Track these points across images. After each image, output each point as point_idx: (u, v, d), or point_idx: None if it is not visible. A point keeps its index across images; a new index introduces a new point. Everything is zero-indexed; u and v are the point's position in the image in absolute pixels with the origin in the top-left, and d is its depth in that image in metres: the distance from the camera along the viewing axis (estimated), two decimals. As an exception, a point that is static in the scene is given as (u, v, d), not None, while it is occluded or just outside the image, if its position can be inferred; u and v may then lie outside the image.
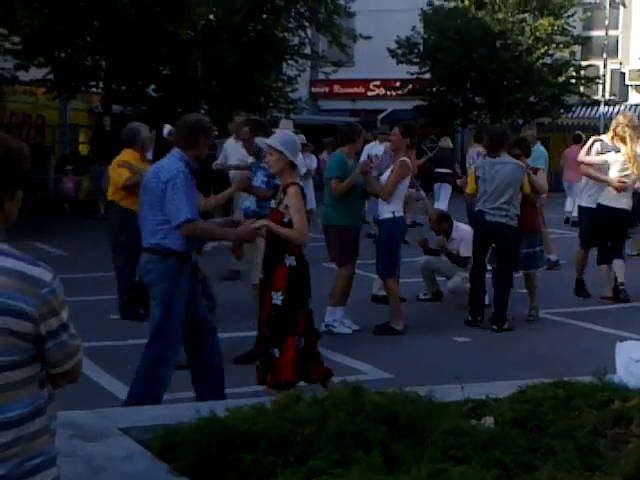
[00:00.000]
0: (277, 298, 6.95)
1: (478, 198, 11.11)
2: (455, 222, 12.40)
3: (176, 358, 6.94)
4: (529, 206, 11.17)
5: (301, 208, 7.01)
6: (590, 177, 12.56)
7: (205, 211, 8.69)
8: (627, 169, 11.99)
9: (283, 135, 7.54)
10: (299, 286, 7.04)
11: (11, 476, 2.84)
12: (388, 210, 10.38)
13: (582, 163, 12.65)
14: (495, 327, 10.71)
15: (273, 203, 7.34)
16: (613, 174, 12.02)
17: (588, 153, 12.43)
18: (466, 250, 11.70)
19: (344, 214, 10.45)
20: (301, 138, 18.09)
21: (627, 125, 12.02)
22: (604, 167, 12.15)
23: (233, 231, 7.24)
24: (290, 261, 7.01)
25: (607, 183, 12.10)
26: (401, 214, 10.50)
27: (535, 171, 11.59)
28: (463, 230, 12.18)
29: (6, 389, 2.84)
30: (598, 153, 12.31)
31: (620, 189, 11.98)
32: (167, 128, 12.46)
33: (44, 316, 2.85)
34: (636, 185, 12.33)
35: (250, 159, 10.06)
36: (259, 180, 9.51)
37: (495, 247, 10.97)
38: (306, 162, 16.56)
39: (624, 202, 12.12)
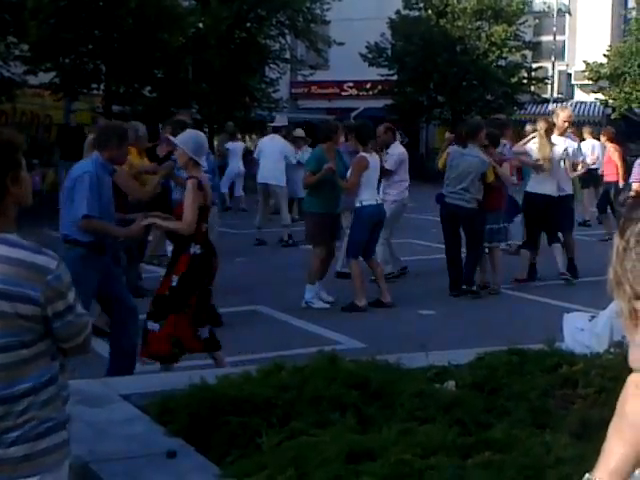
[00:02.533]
0: (174, 280, 6.90)
1: (443, 182, 11.42)
2: (397, 142, 12.51)
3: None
4: (494, 191, 11.30)
5: (192, 200, 6.84)
6: (522, 162, 12.33)
7: (145, 200, 8.69)
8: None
9: (186, 134, 7.40)
10: (198, 272, 6.95)
11: (23, 437, 2.83)
12: (357, 200, 10.44)
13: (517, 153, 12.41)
14: (465, 287, 11.10)
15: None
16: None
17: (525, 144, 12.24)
18: (390, 165, 11.96)
19: (320, 202, 10.48)
20: (298, 132, 18.17)
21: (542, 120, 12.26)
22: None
23: (126, 230, 7.18)
24: (195, 249, 6.94)
25: (533, 166, 11.84)
26: (369, 202, 10.38)
27: (501, 163, 11.52)
28: (398, 149, 12.30)
29: (20, 365, 2.83)
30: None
31: (538, 170, 11.70)
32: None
33: (50, 300, 2.82)
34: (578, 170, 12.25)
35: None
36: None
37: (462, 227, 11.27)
38: (298, 155, 16.54)
39: (547, 188, 11.73)
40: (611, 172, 17.08)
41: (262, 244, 15.45)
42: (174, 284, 6.89)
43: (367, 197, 10.40)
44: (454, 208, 11.13)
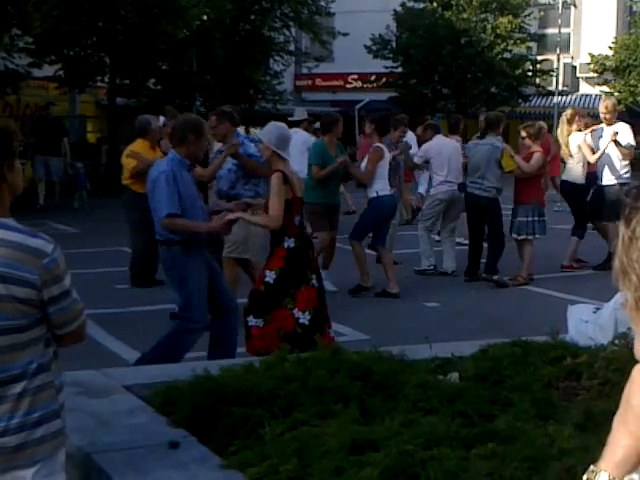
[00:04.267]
0: (270, 277, 6.88)
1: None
2: (440, 135, 12.61)
3: (201, 331, 6.82)
4: (522, 181, 11.23)
5: (277, 194, 6.82)
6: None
7: (201, 181, 8.64)
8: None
9: (268, 128, 7.36)
10: (297, 266, 6.94)
11: (17, 426, 2.83)
12: (373, 191, 10.62)
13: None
14: (484, 275, 11.17)
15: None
16: None
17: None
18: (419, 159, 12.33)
19: (321, 194, 10.58)
20: (318, 124, 18.10)
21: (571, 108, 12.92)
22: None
23: (209, 225, 6.94)
24: (289, 243, 6.92)
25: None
26: (385, 193, 10.63)
27: (530, 156, 11.20)
28: (440, 146, 12.21)
29: (14, 349, 2.83)
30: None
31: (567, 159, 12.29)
32: (162, 119, 12.18)
33: (46, 284, 2.82)
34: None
35: (218, 145, 9.81)
36: (251, 148, 9.08)
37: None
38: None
39: (573, 175, 12.13)
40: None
41: None
42: (269, 280, 6.87)
43: (381, 187, 10.62)
44: (473, 197, 11.32)
